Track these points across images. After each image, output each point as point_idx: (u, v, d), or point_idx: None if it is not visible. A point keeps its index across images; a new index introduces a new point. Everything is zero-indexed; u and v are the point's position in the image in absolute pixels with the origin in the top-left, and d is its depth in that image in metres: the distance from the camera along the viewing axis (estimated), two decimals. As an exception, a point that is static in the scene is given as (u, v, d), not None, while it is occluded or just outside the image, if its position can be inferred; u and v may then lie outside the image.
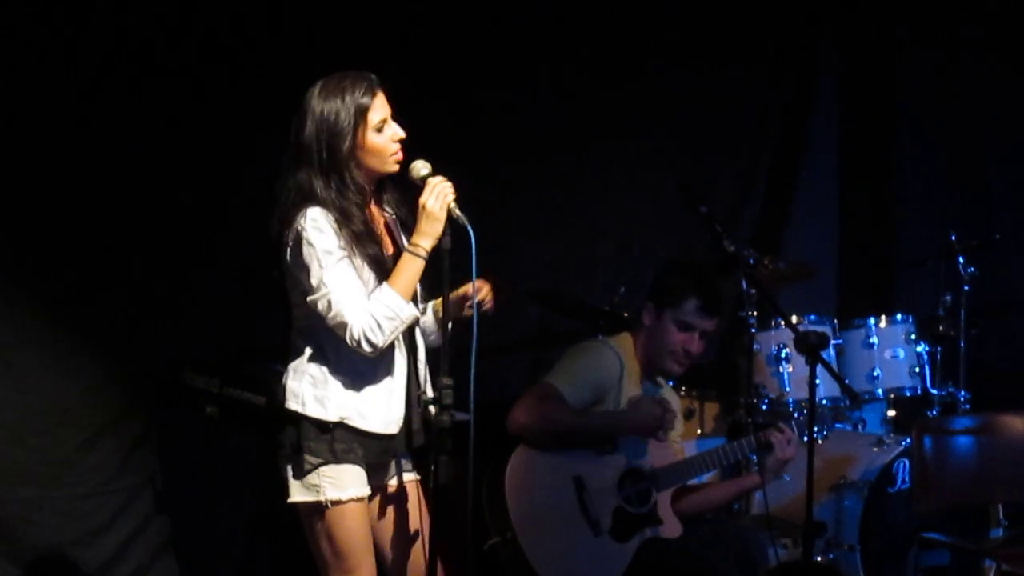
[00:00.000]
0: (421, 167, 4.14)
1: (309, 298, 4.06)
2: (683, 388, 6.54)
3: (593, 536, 5.19)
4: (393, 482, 4.31)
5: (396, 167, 4.16)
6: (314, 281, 4.04)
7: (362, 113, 4.07)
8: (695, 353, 5.43)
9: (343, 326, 4.02)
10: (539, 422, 5.16)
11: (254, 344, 5.73)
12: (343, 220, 4.05)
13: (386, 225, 4.27)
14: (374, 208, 4.23)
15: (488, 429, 4.90)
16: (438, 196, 4.05)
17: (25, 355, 5.54)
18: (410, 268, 4.10)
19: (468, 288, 4.20)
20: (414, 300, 4.17)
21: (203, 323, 5.85)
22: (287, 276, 4.14)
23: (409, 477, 4.34)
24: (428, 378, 4.29)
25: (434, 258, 4.11)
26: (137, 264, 5.70)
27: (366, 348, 4.03)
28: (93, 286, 5.64)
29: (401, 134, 4.14)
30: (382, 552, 4.34)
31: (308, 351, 4.17)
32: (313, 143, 4.08)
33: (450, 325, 4.14)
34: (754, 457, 5.64)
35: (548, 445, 5.19)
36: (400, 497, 4.32)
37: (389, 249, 4.20)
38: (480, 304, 4.16)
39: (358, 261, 4.08)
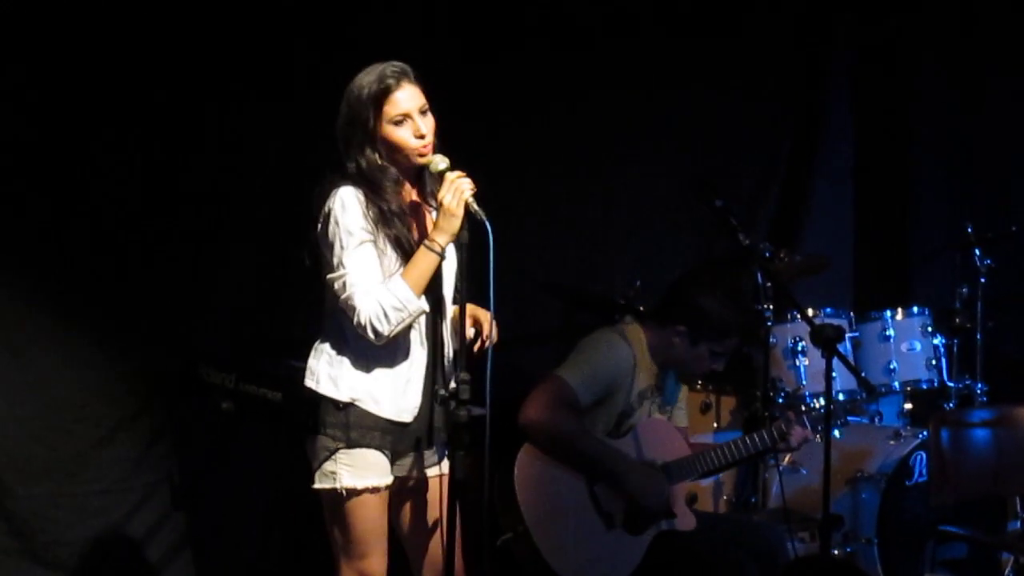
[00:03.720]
0: (439, 162, 4.14)
1: (328, 276, 4.13)
2: (699, 382, 6.53)
3: (606, 529, 5.17)
4: (416, 474, 4.33)
5: (422, 160, 4.17)
6: (335, 260, 4.11)
7: (379, 100, 4.11)
8: (718, 370, 5.51)
9: (352, 309, 4.08)
10: (548, 426, 5.12)
11: (270, 339, 5.76)
12: (373, 196, 4.10)
13: (422, 214, 4.29)
14: (413, 195, 4.27)
15: (506, 424, 4.93)
16: (455, 192, 4.06)
17: (41, 352, 5.54)
18: (424, 262, 4.12)
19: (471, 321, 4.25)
20: (433, 296, 4.18)
21: (219, 318, 5.86)
22: (319, 256, 4.18)
23: (433, 472, 4.36)
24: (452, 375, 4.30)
25: (458, 253, 4.16)
26: (153, 260, 5.70)
27: (371, 335, 4.07)
28: (109, 282, 5.63)
29: (424, 130, 4.14)
30: (404, 543, 4.40)
31: (329, 330, 4.24)
32: (342, 119, 4.16)
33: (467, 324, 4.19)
34: (771, 453, 5.63)
35: (547, 448, 5.16)
36: (423, 489, 4.36)
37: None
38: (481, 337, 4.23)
39: (381, 243, 4.12)
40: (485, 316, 4.27)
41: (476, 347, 4.29)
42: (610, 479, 5.18)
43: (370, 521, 4.20)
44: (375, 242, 4.11)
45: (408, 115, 4.13)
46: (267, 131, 5.86)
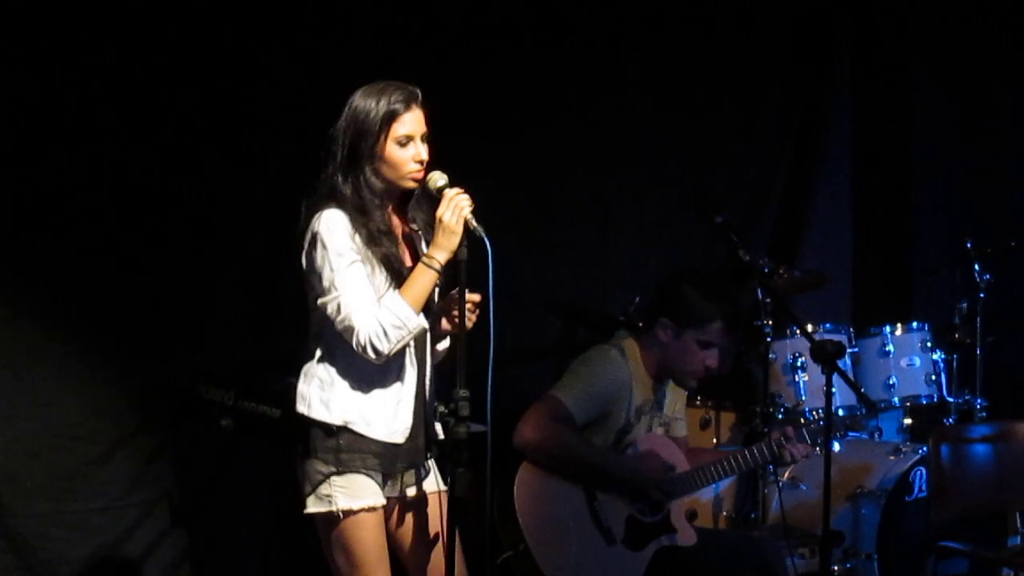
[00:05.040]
0: (438, 178, 4.14)
1: (320, 300, 4.09)
2: (699, 397, 6.52)
3: (606, 546, 5.16)
4: (412, 492, 4.31)
5: (412, 184, 4.17)
6: (325, 283, 4.07)
7: (388, 120, 4.09)
8: (715, 368, 5.39)
9: (350, 330, 4.05)
10: (544, 444, 5.11)
11: (269, 356, 5.74)
12: (360, 218, 4.08)
13: (408, 236, 4.28)
14: (396, 218, 4.25)
15: (506, 441, 4.92)
16: (454, 209, 4.06)
17: (40, 369, 5.53)
18: (422, 279, 4.11)
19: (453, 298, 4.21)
20: (427, 311, 4.18)
21: (218, 336, 5.85)
22: (304, 278, 4.16)
23: (432, 487, 4.35)
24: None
25: (452, 270, 4.13)
26: (152, 277, 5.69)
27: (371, 354, 4.05)
28: (107, 299, 5.62)
29: (424, 156, 4.13)
30: (403, 562, 4.37)
31: (318, 354, 4.20)
32: (340, 136, 4.13)
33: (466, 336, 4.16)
34: (771, 467, 5.62)
35: (546, 466, 5.15)
36: (421, 507, 4.33)
37: (408, 260, 4.22)
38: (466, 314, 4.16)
39: (372, 264, 4.10)
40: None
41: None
42: (613, 481, 5.18)
43: (369, 542, 4.17)
44: (364, 262, 4.09)
45: (412, 138, 4.13)
46: (267, 146, 5.85)
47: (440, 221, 4.07)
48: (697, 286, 5.36)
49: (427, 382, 4.31)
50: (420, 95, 4.17)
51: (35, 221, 5.50)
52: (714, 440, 6.55)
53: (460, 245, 4.08)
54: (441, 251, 4.10)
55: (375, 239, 4.10)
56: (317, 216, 4.08)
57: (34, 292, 5.52)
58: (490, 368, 4.03)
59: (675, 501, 5.33)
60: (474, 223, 4.07)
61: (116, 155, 5.60)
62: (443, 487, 4.33)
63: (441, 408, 4.21)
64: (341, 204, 4.09)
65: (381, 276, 4.12)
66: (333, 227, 4.06)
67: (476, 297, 4.14)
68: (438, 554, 4.29)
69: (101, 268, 5.62)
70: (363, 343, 4.04)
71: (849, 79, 7.90)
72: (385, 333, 4.04)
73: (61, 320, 5.57)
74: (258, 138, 5.85)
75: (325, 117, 4.24)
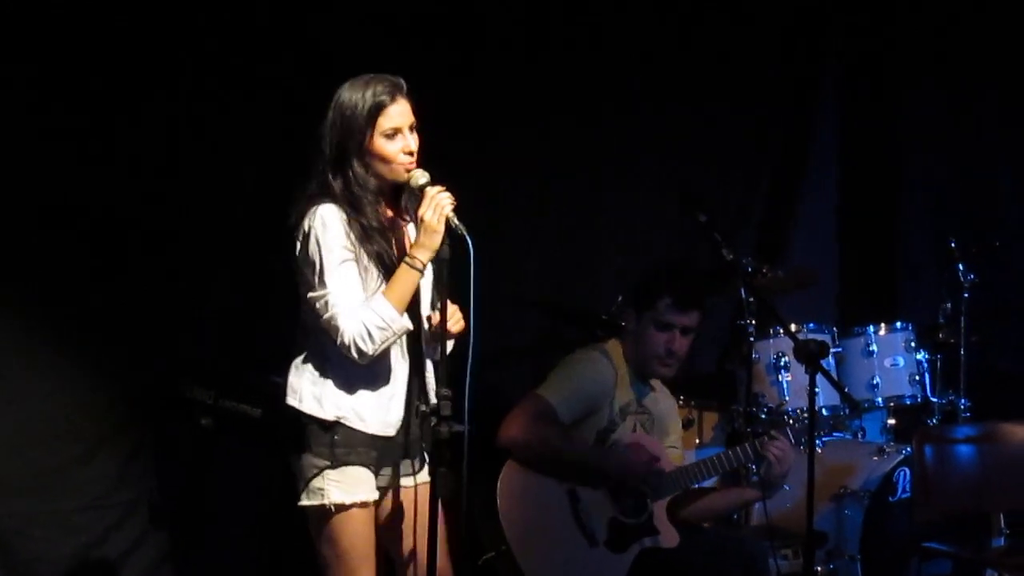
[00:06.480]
0: (419, 176, 4.12)
1: (310, 295, 4.09)
2: (682, 397, 6.50)
3: (589, 547, 5.16)
4: (407, 483, 4.30)
5: (405, 177, 4.15)
6: (316, 279, 4.07)
7: (374, 113, 4.08)
8: (679, 352, 5.37)
9: (336, 329, 4.04)
10: (530, 441, 5.11)
11: (250, 355, 5.73)
12: (354, 213, 4.08)
13: (404, 229, 4.27)
14: (390, 212, 4.24)
15: (488, 440, 4.91)
16: (435, 208, 4.04)
17: (21, 367, 5.52)
18: (406, 279, 4.10)
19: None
20: (411, 311, 4.16)
21: (199, 334, 5.85)
22: (296, 272, 4.15)
23: (421, 479, 4.32)
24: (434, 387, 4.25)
25: (435, 268, 4.12)
26: (133, 275, 5.67)
27: (354, 355, 4.05)
28: (89, 298, 5.61)
29: (413, 147, 4.12)
30: (392, 555, 4.36)
31: (310, 348, 4.20)
32: (327, 134, 4.11)
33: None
34: (753, 466, 5.61)
35: (532, 464, 5.14)
36: (409, 499, 4.32)
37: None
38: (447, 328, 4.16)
39: (364, 261, 4.09)
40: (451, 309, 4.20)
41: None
42: (597, 475, 5.17)
43: (358, 536, 4.18)
44: (357, 260, 4.09)
45: (400, 130, 4.11)
46: (252, 144, 5.83)
47: (422, 220, 4.06)
48: (652, 269, 5.41)
49: (424, 378, 4.27)
50: (405, 86, 4.15)
51: (18, 220, 5.49)
52: (697, 440, 6.53)
53: (443, 244, 4.07)
54: (423, 250, 4.08)
55: (368, 236, 4.10)
56: (312, 211, 4.08)
57: (16, 290, 5.50)
58: (468, 367, 4.02)
59: (658, 502, 5.32)
60: (455, 221, 4.05)
61: (102, 154, 5.59)
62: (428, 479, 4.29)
63: (423, 407, 4.19)
64: (335, 199, 4.09)
65: (374, 272, 4.11)
66: (327, 222, 4.06)
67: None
68: (423, 548, 4.26)
69: (84, 267, 5.60)
70: (347, 343, 4.03)
71: (837, 78, 7.90)
72: (369, 334, 4.03)
73: (43, 319, 5.56)
74: (243, 137, 5.83)
75: (310, 115, 4.22)
